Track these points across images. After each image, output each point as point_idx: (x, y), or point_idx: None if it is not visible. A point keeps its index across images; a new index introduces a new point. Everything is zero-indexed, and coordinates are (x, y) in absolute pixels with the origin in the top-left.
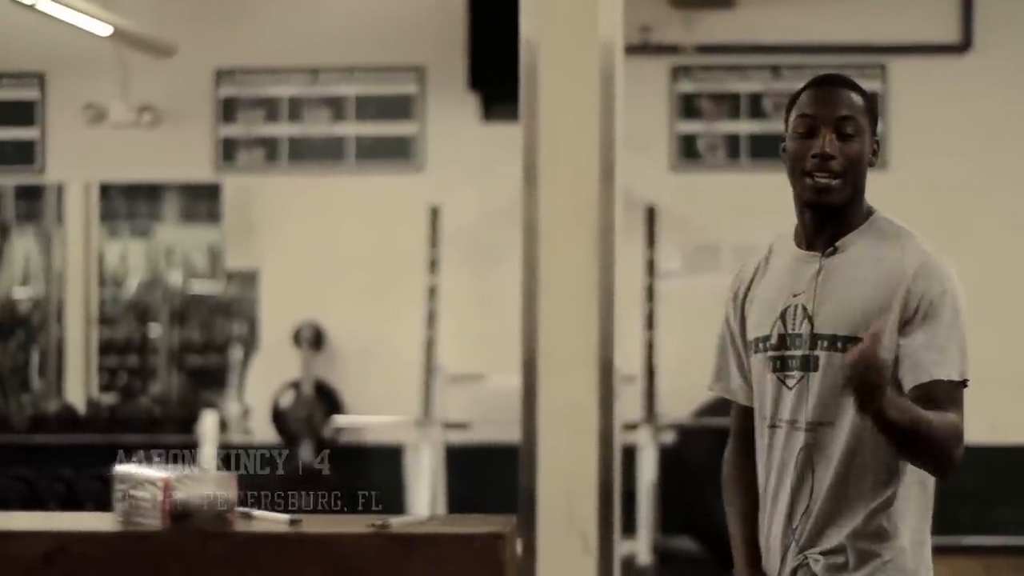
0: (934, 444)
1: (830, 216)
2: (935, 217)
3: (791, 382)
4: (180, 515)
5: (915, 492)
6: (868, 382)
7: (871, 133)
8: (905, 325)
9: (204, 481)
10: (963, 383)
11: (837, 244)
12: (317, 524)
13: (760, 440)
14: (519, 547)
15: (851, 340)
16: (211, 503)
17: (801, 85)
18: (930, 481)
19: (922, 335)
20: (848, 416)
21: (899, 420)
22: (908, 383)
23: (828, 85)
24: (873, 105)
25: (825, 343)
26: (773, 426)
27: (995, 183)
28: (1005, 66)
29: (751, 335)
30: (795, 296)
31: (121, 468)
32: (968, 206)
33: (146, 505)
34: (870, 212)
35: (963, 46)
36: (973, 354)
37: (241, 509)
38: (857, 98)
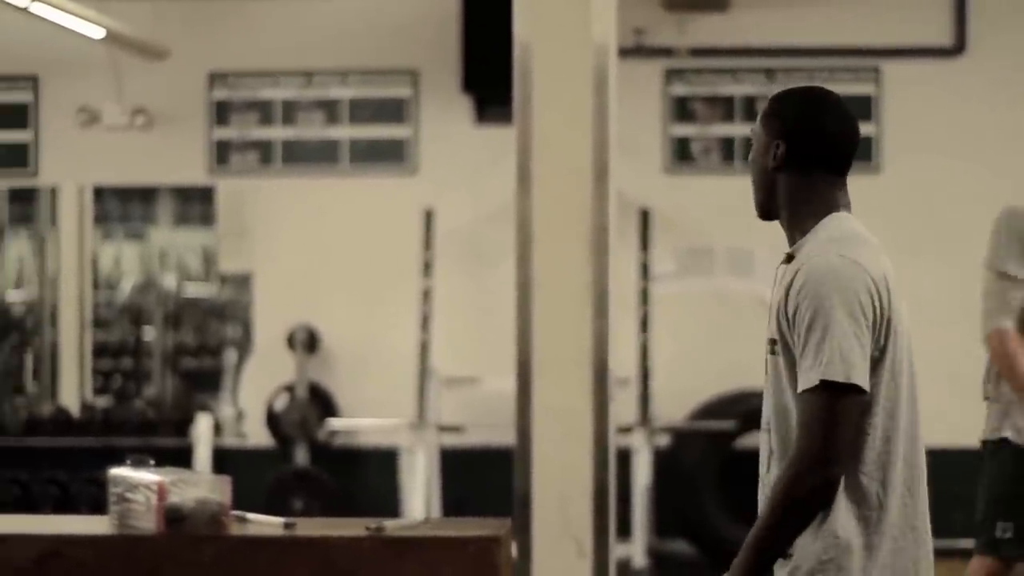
0: (783, 525)
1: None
2: (927, 219)
3: None
4: (174, 519)
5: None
6: None
7: (769, 135)
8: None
9: (198, 484)
10: (825, 386)
11: (790, 251)
12: (312, 527)
13: None
14: (514, 550)
15: (773, 342)
16: (205, 506)
17: (794, 87)
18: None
19: (799, 350)
20: (772, 419)
21: (754, 559)
22: None
23: None
24: (776, 106)
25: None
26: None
27: (987, 186)
28: (998, 69)
29: None
30: None
31: (116, 471)
32: (960, 209)
33: (140, 508)
34: (828, 214)
35: (956, 49)
36: (971, 363)
37: (236, 512)
38: (764, 109)
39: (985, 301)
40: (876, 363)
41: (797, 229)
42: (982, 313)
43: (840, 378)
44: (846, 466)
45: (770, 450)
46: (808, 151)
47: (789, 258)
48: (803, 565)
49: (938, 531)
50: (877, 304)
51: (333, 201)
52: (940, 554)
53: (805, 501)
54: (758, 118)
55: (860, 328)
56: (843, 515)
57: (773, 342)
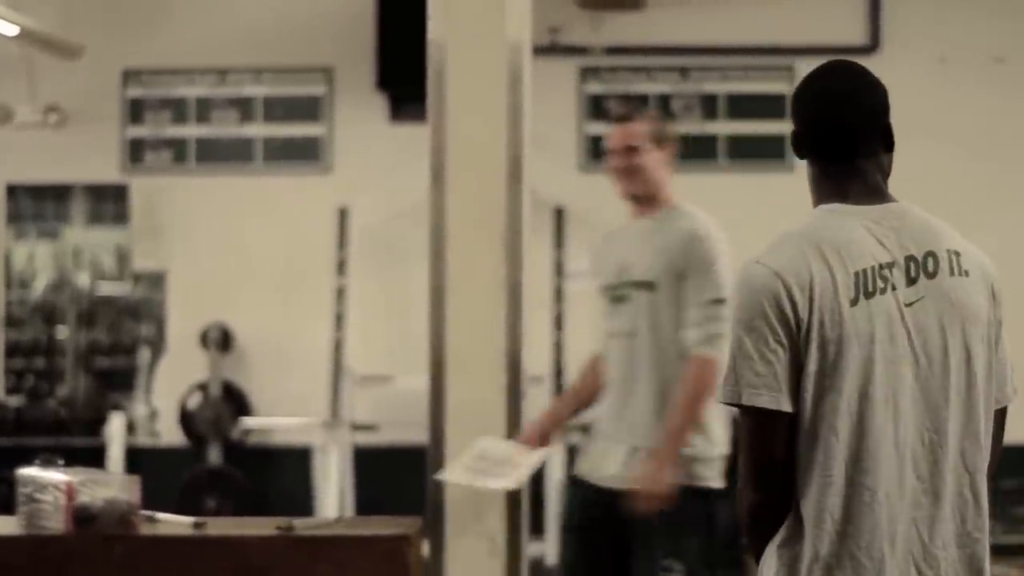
0: (746, 542)
1: None
2: None
3: None
4: (83, 518)
5: None
6: None
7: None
8: None
9: (108, 484)
10: (737, 407)
11: None
12: (222, 526)
13: None
14: (426, 549)
15: None
16: (114, 506)
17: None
18: None
19: None
20: None
21: None
22: None
23: None
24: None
25: None
26: None
27: (899, 182)
28: (912, 67)
29: None
30: None
31: (25, 471)
32: None
33: (49, 508)
34: (819, 205)
35: (871, 47)
36: None
37: (145, 512)
38: None
39: None
40: (801, 379)
41: None
42: None
43: (729, 399)
44: (772, 487)
45: None
46: (799, 140)
47: None
48: None
49: None
50: (791, 314)
51: (247, 199)
52: None
53: (744, 521)
54: None
55: (763, 343)
56: (782, 541)
57: None
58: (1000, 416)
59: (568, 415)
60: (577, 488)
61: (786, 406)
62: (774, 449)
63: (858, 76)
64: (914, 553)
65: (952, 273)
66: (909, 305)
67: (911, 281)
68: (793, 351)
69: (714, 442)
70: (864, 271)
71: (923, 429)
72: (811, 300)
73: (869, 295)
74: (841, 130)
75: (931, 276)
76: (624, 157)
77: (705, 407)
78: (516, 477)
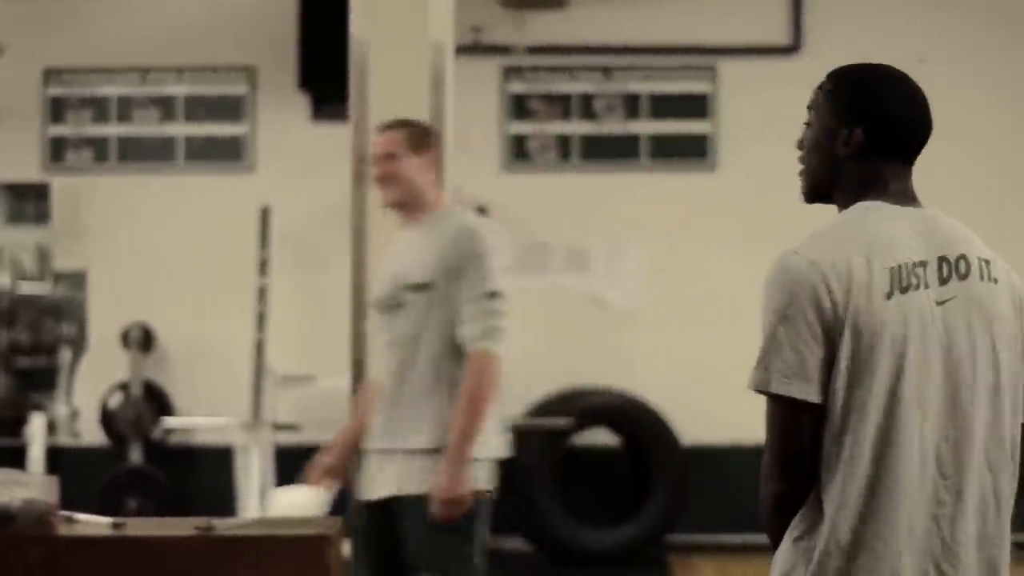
0: (766, 532)
1: None
2: (763, 215)
3: None
4: (1, 519)
5: None
6: None
7: (838, 119)
8: None
9: (26, 485)
10: (766, 395)
11: None
12: (141, 527)
13: None
14: (347, 549)
15: None
16: (33, 507)
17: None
18: None
19: None
20: None
21: None
22: None
23: None
24: (848, 89)
25: None
26: None
27: None
28: (834, 67)
29: None
30: None
31: None
32: (796, 207)
33: None
34: (857, 202)
35: (792, 47)
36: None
37: (64, 512)
38: (830, 89)
39: None
40: (832, 371)
41: None
42: None
43: (759, 386)
44: (797, 477)
45: None
46: (869, 135)
47: None
48: None
49: None
50: (828, 305)
51: (169, 199)
52: None
53: (766, 509)
54: (819, 97)
55: (796, 333)
56: (800, 532)
57: None
58: None
59: (352, 447)
60: (359, 509)
61: (814, 397)
62: (801, 439)
63: (915, 85)
64: (933, 550)
65: (982, 278)
66: (940, 304)
67: (943, 280)
68: (826, 342)
69: (483, 444)
70: (900, 266)
71: (949, 427)
72: (847, 292)
73: (904, 290)
74: (906, 132)
75: (962, 278)
76: (381, 165)
77: (490, 401)
78: None
